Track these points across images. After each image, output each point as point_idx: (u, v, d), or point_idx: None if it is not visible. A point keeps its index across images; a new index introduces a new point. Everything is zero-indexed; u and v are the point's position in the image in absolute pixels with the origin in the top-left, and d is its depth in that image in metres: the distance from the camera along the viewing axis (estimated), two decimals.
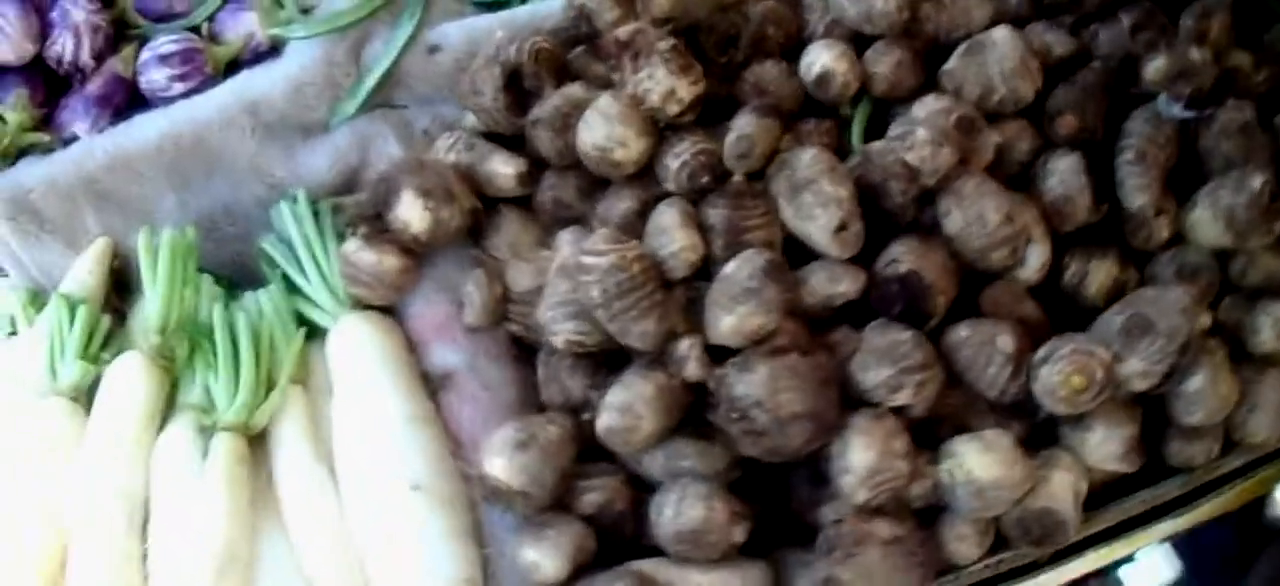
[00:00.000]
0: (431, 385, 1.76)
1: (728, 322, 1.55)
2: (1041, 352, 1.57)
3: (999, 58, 1.71)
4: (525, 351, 1.74)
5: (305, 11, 1.92)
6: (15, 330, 1.92)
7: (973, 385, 1.61)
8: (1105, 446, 1.60)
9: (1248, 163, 1.67)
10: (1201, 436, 1.65)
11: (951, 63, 1.74)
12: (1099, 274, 1.69)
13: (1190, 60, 1.69)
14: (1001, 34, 1.72)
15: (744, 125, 1.65)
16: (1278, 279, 1.70)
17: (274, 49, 1.93)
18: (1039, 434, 1.63)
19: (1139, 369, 1.56)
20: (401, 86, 1.88)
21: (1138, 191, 1.67)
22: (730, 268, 1.57)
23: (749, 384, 1.52)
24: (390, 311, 1.81)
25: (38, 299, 1.93)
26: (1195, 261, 1.69)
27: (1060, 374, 1.54)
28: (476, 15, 1.94)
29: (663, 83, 1.64)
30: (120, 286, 1.92)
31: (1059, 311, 1.68)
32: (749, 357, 1.55)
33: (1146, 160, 1.67)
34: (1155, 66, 1.70)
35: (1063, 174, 1.68)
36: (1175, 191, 1.71)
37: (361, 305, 1.80)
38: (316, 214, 1.87)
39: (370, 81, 1.86)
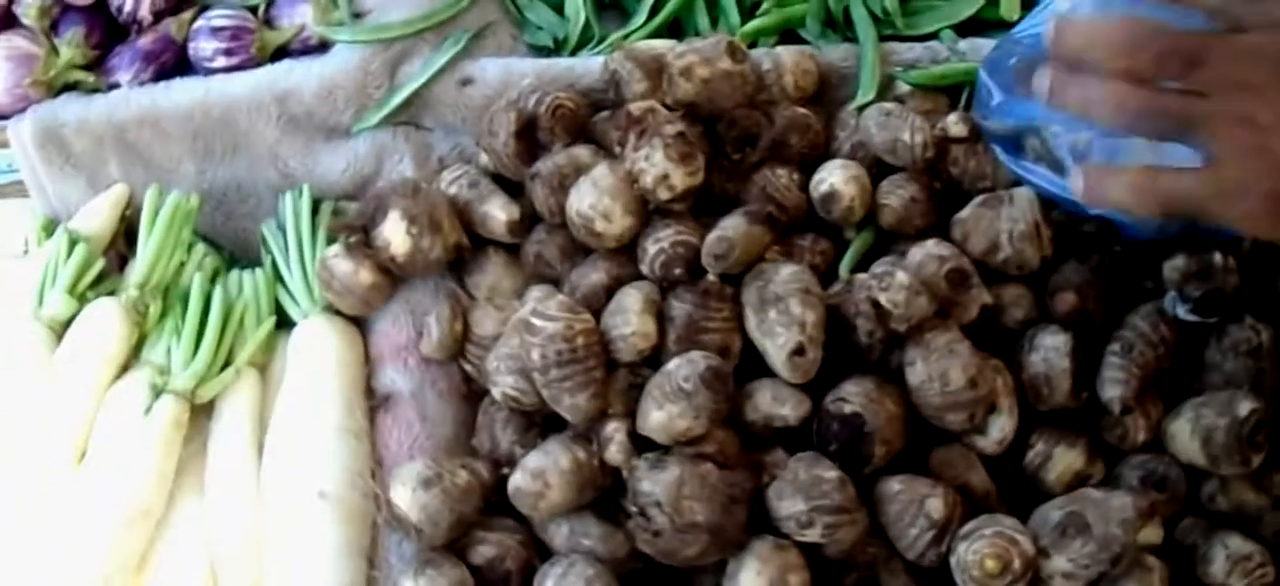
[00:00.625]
0: (374, 402, 1.76)
1: (656, 418, 1.54)
2: (967, 527, 1.53)
3: (1012, 217, 1.67)
4: (474, 394, 1.74)
5: (357, 16, 1.92)
6: (27, 251, 1.97)
7: (895, 542, 1.57)
8: None
9: (1248, 387, 1.62)
10: None
11: (964, 211, 1.71)
12: (1062, 461, 1.64)
13: (1210, 262, 1.64)
14: (1022, 194, 1.68)
15: (729, 226, 1.62)
16: (1247, 511, 1.64)
17: (322, 45, 1.93)
18: None
19: (1064, 568, 1.51)
20: (429, 110, 1.87)
21: (1113, 383, 1.62)
22: (672, 364, 1.55)
23: (656, 482, 1.50)
24: (360, 323, 1.81)
25: (51, 227, 1.95)
26: (1163, 473, 1.64)
27: (976, 553, 1.50)
28: (522, 57, 1.92)
29: (658, 166, 1.62)
30: (132, 237, 1.92)
31: (1020, 492, 1.64)
32: (664, 457, 1.53)
33: (1132, 354, 1.62)
34: (1173, 262, 1.65)
35: (1048, 351, 1.63)
36: (1167, 398, 1.66)
37: (333, 310, 1.80)
38: (316, 212, 1.86)
39: (398, 98, 1.85)
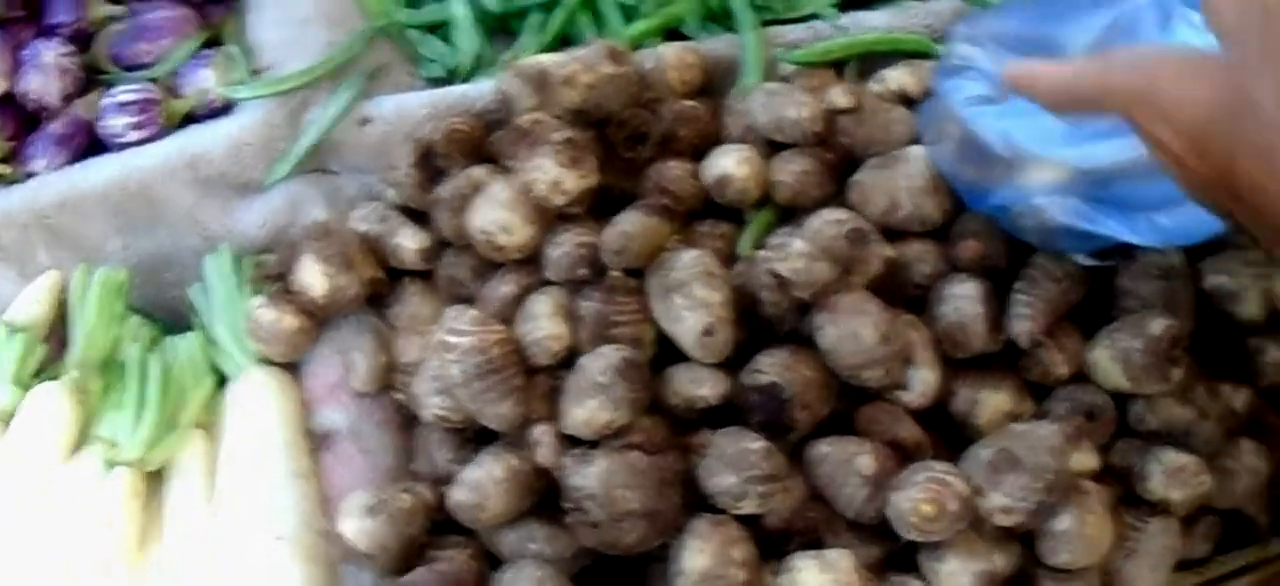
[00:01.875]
0: (316, 444, 1.80)
1: (578, 415, 1.57)
2: (900, 477, 1.56)
3: (908, 174, 1.71)
4: (408, 420, 1.77)
5: (257, 73, 1.97)
6: None
7: (832, 502, 1.61)
8: (956, 579, 1.57)
9: (1161, 306, 1.65)
10: (1073, 579, 1.62)
11: (860, 174, 1.75)
12: (990, 404, 1.66)
13: None
14: (916, 152, 1.72)
15: (625, 222, 1.66)
16: (1176, 426, 1.67)
17: (227, 106, 1.98)
18: (903, 558, 1.61)
19: (1002, 504, 1.54)
20: (335, 155, 1.92)
21: (1020, 318, 1.65)
22: (585, 361, 1.59)
23: (586, 476, 1.54)
24: (294, 368, 1.85)
25: None
26: (1090, 401, 1.67)
27: (910, 501, 1.53)
28: (419, 91, 1.97)
29: (550, 173, 1.66)
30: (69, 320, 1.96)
31: (956, 442, 1.66)
32: (590, 450, 1.57)
33: (1037, 290, 1.65)
34: None
35: (959, 300, 1.67)
36: (1089, 331, 1.69)
37: (267, 360, 1.84)
38: (240, 269, 1.90)
39: (302, 147, 1.89)
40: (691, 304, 1.60)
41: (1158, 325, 1.62)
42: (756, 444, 1.57)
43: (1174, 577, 1.69)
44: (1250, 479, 1.70)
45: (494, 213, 1.69)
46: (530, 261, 1.72)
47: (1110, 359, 1.65)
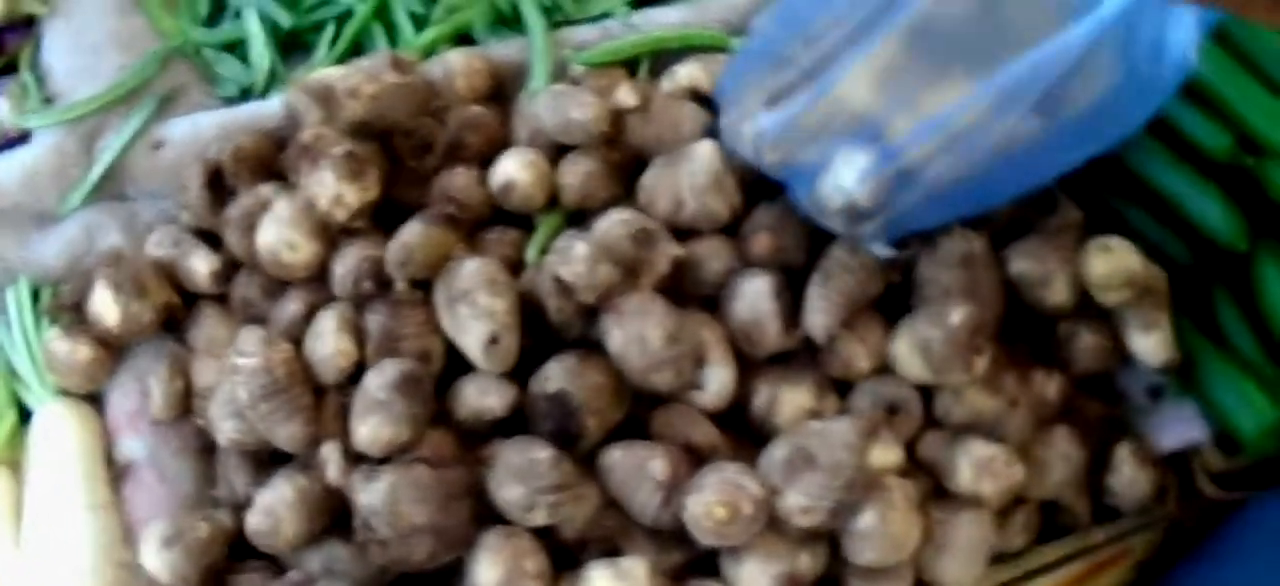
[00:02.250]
0: (118, 474, 1.78)
1: (362, 432, 1.57)
2: (693, 481, 1.56)
3: (692, 172, 1.70)
4: (208, 446, 1.75)
5: (49, 102, 1.95)
6: None
7: (627, 509, 1.60)
8: (755, 581, 1.56)
9: (963, 295, 1.64)
10: (882, 578, 1.62)
11: (646, 175, 1.74)
12: (790, 402, 1.65)
13: None
14: (702, 148, 1.70)
15: (408, 234, 1.65)
16: (985, 417, 1.66)
17: (25, 136, 1.95)
18: (704, 563, 1.61)
19: (800, 504, 1.54)
20: (129, 180, 1.90)
21: (815, 312, 1.64)
22: (368, 377, 1.59)
23: (372, 493, 1.53)
24: (96, 399, 1.83)
25: None
26: (892, 395, 1.67)
27: (704, 504, 1.52)
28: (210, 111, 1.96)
29: (330, 187, 1.65)
30: None
31: (758, 442, 1.65)
32: (376, 467, 1.56)
33: (833, 283, 1.64)
34: None
35: (751, 296, 1.66)
36: (893, 322, 1.68)
37: (67, 391, 1.82)
38: (38, 300, 1.88)
39: (95, 174, 1.88)
40: (476, 313, 1.59)
41: (957, 314, 1.61)
42: (544, 453, 1.56)
43: (992, 571, 1.69)
44: (1066, 467, 1.69)
45: (278, 231, 1.68)
46: (318, 278, 1.71)
47: (911, 350, 1.64)
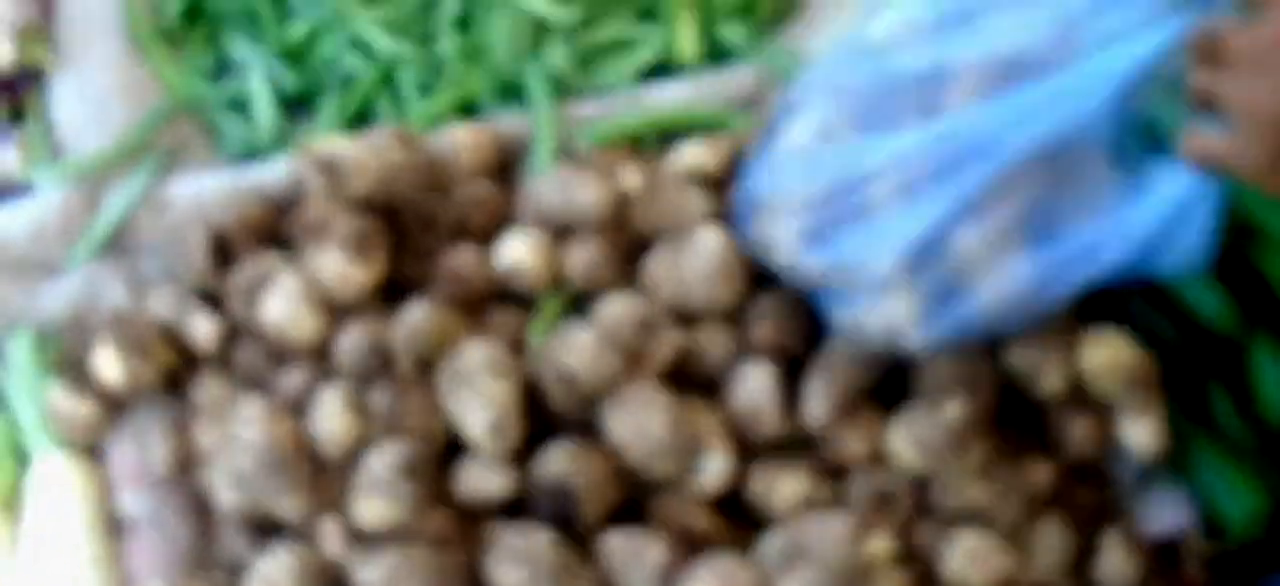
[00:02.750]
0: (117, 529, 1.80)
1: (364, 510, 1.59)
2: (689, 569, 1.58)
3: (698, 257, 1.71)
4: (207, 507, 1.77)
5: (58, 155, 1.97)
6: None
7: None
8: None
9: (959, 387, 1.65)
10: None
11: (650, 259, 1.75)
12: (785, 489, 1.66)
13: None
14: (707, 233, 1.72)
15: (413, 316, 1.67)
16: (976, 506, 1.67)
17: (30, 186, 1.97)
18: None
19: None
20: (134, 236, 1.92)
21: (815, 402, 1.66)
22: (371, 457, 1.61)
23: (371, 570, 1.57)
24: (98, 452, 1.85)
25: None
26: (887, 485, 1.68)
27: None
28: (219, 169, 1.97)
29: (337, 264, 1.68)
30: None
31: (754, 527, 1.67)
32: (376, 545, 1.59)
33: (832, 372, 1.66)
34: None
35: (752, 385, 1.67)
36: (888, 405, 1.69)
37: (68, 444, 1.84)
38: (43, 351, 1.90)
39: (101, 231, 1.90)
40: (479, 397, 1.61)
41: (953, 408, 1.63)
42: (544, 537, 1.58)
43: None
44: (1055, 555, 1.70)
45: (282, 305, 1.70)
46: (321, 351, 1.73)
47: (907, 443, 1.65)
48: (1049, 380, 1.68)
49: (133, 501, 1.80)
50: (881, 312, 1.60)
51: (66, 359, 1.84)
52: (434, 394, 1.66)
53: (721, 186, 1.82)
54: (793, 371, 1.70)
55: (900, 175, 1.56)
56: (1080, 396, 1.70)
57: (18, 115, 2.07)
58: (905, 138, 1.57)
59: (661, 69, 2.00)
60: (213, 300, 1.83)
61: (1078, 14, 1.51)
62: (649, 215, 1.78)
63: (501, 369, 1.63)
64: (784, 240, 1.66)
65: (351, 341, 1.68)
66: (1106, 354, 1.67)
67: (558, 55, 1.95)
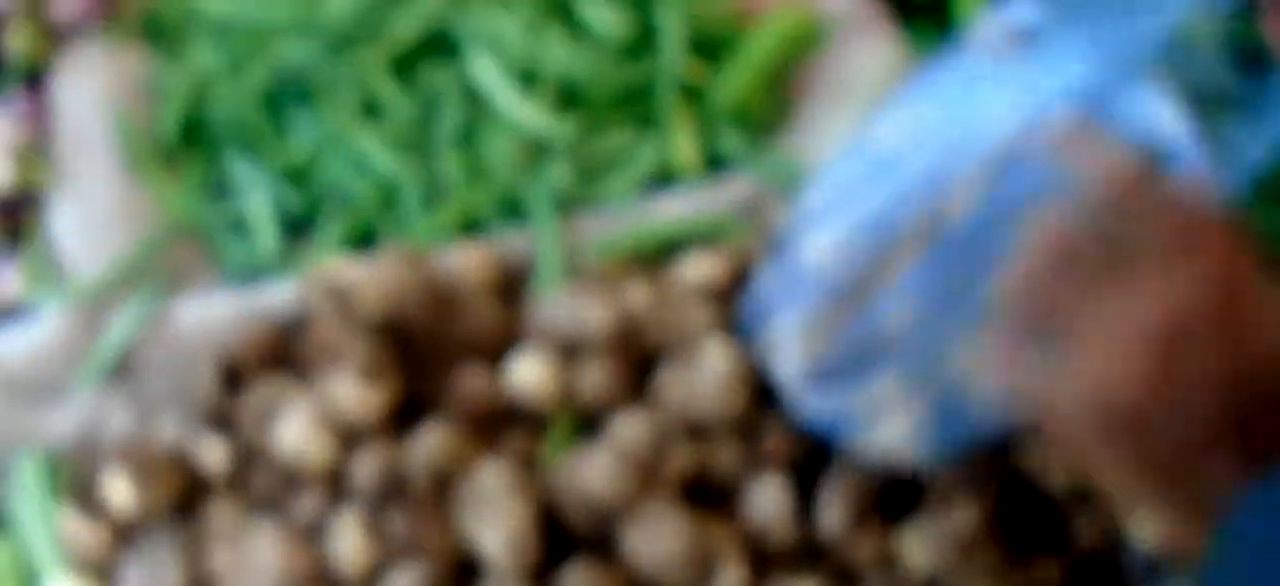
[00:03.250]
0: None
1: None
2: None
3: (707, 372, 1.72)
4: None
5: (59, 277, 1.97)
6: None
7: None
8: None
9: (970, 492, 1.67)
10: None
11: (659, 375, 1.76)
12: None
13: None
14: (713, 350, 1.73)
15: (429, 438, 1.68)
16: None
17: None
18: None
19: None
20: (140, 359, 1.91)
21: (829, 512, 1.68)
22: (390, 579, 1.63)
23: None
24: (110, 575, 1.83)
25: None
26: None
27: None
28: (222, 289, 1.98)
29: (350, 389, 1.68)
30: None
31: None
32: None
33: (845, 482, 1.68)
34: None
35: (764, 498, 1.69)
36: (897, 514, 1.71)
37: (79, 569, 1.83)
38: (53, 475, 1.90)
39: (102, 356, 1.89)
40: (496, 517, 1.62)
41: (962, 513, 1.65)
42: None
43: None
44: None
45: (295, 431, 1.70)
46: (335, 475, 1.73)
47: (919, 546, 1.66)
48: (1057, 475, 1.70)
49: None
50: (885, 436, 1.61)
51: (75, 483, 1.83)
52: (450, 515, 1.67)
53: (727, 297, 1.83)
54: (803, 478, 1.71)
55: (915, 301, 1.56)
56: (1089, 490, 1.70)
57: (18, 237, 2.06)
58: (915, 258, 1.58)
59: (661, 178, 2.02)
60: (223, 423, 1.84)
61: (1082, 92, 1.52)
62: (656, 330, 1.79)
63: (517, 489, 1.64)
64: (789, 376, 1.67)
65: (366, 465, 1.69)
66: None
67: (558, 171, 1.96)
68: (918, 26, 2.20)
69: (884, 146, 1.66)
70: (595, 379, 1.77)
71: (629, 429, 1.70)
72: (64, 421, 1.92)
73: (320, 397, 1.71)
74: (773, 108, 2.10)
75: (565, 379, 1.77)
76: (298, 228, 2.06)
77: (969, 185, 1.55)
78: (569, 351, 1.80)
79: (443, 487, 1.69)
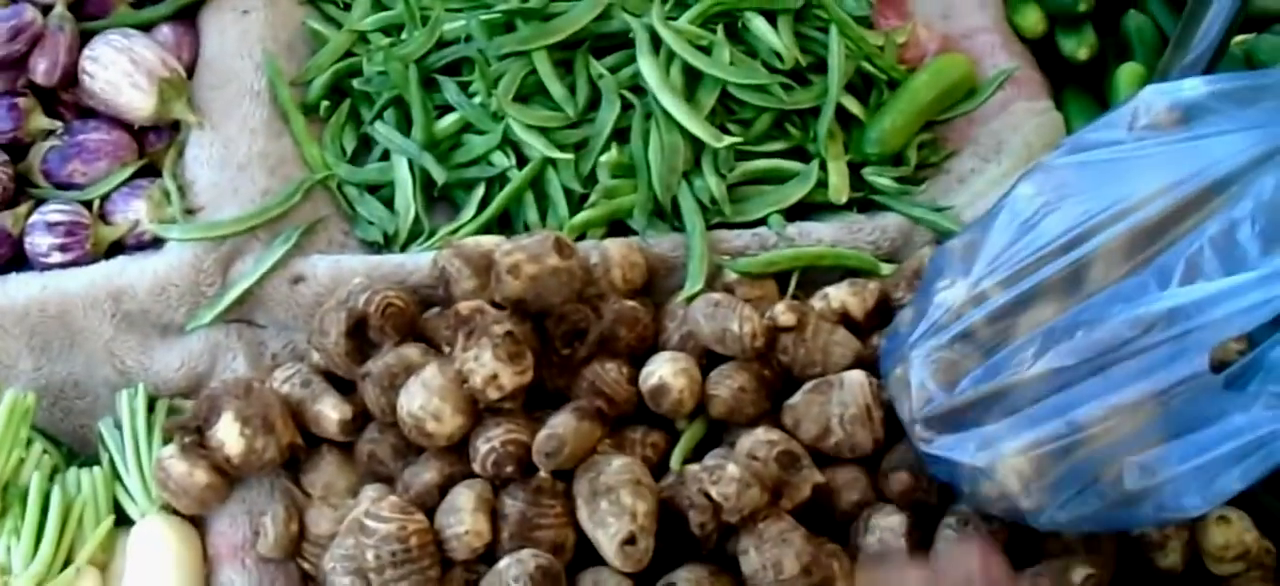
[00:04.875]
0: None
1: None
2: None
3: (843, 401, 1.71)
4: None
5: (190, 213, 1.94)
6: None
7: None
8: None
9: (1083, 551, 1.65)
10: None
11: (795, 398, 1.74)
12: None
13: None
14: (853, 378, 1.72)
15: (558, 424, 1.65)
16: None
17: (157, 241, 1.94)
18: None
19: None
20: (262, 308, 1.89)
21: (947, 551, 1.64)
22: (502, 564, 1.59)
23: None
24: (198, 521, 1.81)
25: None
26: None
27: None
28: (354, 252, 1.95)
29: (487, 366, 1.64)
30: None
31: None
32: None
33: (967, 528, 1.64)
34: None
35: (884, 531, 1.66)
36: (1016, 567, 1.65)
37: (171, 509, 1.80)
38: (154, 409, 1.87)
39: (230, 297, 1.87)
40: (618, 511, 1.59)
41: (1079, 573, 1.62)
42: None
43: None
44: None
45: (426, 398, 1.67)
46: (455, 450, 1.70)
47: None
48: (1170, 556, 1.68)
49: (233, 576, 1.76)
50: (1005, 486, 1.58)
51: (186, 427, 1.78)
52: (568, 504, 1.64)
53: (866, 331, 1.83)
54: (925, 520, 1.68)
55: (1043, 360, 1.54)
56: (1198, 571, 1.70)
57: (149, 170, 2.04)
58: (1047, 318, 1.56)
59: (807, 208, 2.01)
60: (340, 385, 1.80)
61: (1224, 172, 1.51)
62: (796, 352, 1.77)
63: (642, 487, 1.61)
64: (915, 416, 1.63)
65: (491, 444, 1.65)
66: (1230, 535, 1.68)
67: (712, 181, 1.94)
68: (1074, 93, 2.22)
69: (1028, 205, 1.63)
70: (731, 388, 1.74)
71: (760, 445, 1.67)
72: (177, 357, 1.90)
73: (454, 369, 1.67)
74: (926, 151, 2.11)
75: (702, 386, 1.75)
76: (432, 199, 2.04)
77: (1112, 256, 1.54)
78: (708, 359, 1.78)
79: (566, 477, 1.65)
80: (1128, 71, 2.16)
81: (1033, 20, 2.27)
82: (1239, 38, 2.15)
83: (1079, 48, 2.25)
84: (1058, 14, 2.27)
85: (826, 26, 2.10)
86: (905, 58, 2.20)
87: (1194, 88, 1.59)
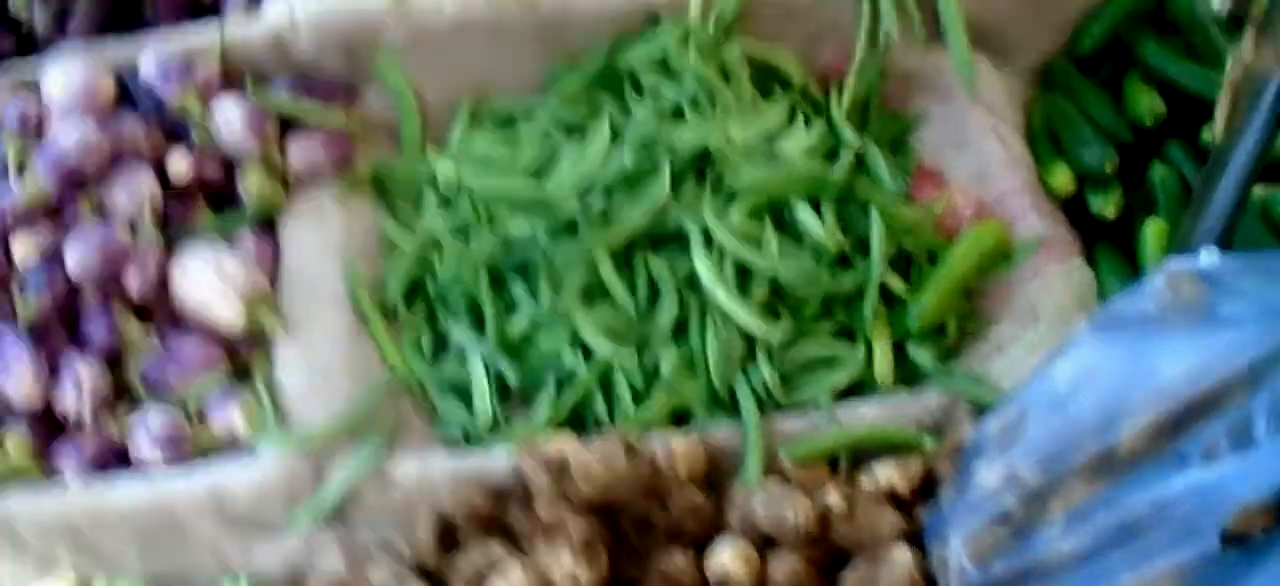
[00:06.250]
0: None
1: None
2: None
3: (893, 577, 1.83)
4: None
5: (280, 416, 2.08)
6: None
7: None
8: None
9: None
10: None
11: (847, 574, 1.87)
12: None
13: None
14: (899, 554, 1.85)
15: None
16: None
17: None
18: None
19: None
20: (354, 507, 2.02)
21: None
22: None
23: None
24: None
25: None
26: None
27: None
28: (436, 448, 2.09)
29: (567, 566, 1.79)
30: None
31: None
32: None
33: None
34: None
35: None
36: None
37: None
38: None
39: (324, 502, 2.00)
40: None
41: None
42: None
43: None
44: None
45: None
46: None
47: None
48: None
49: None
50: None
51: None
52: None
53: (912, 505, 1.95)
54: None
55: (1076, 542, 1.64)
56: None
57: (241, 375, 2.18)
58: (1077, 499, 1.67)
59: (855, 389, 2.13)
60: (428, 578, 1.93)
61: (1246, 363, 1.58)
62: (847, 531, 1.91)
63: None
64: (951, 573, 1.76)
65: None
66: None
67: (765, 371, 2.07)
68: (1105, 249, 2.29)
69: (1061, 382, 1.74)
70: (788, 571, 1.87)
71: None
72: (277, 555, 2.03)
73: (536, 567, 1.80)
74: (964, 321, 2.21)
75: (761, 569, 1.88)
76: (508, 396, 2.17)
77: (1141, 432, 1.62)
78: (766, 543, 1.91)
79: None
80: (1154, 228, 2.24)
81: (1063, 180, 2.35)
82: (1259, 188, 2.17)
83: (1106, 206, 2.32)
84: (1085, 174, 2.35)
85: (866, 205, 2.22)
86: (943, 225, 2.28)
87: (1214, 264, 1.68)
